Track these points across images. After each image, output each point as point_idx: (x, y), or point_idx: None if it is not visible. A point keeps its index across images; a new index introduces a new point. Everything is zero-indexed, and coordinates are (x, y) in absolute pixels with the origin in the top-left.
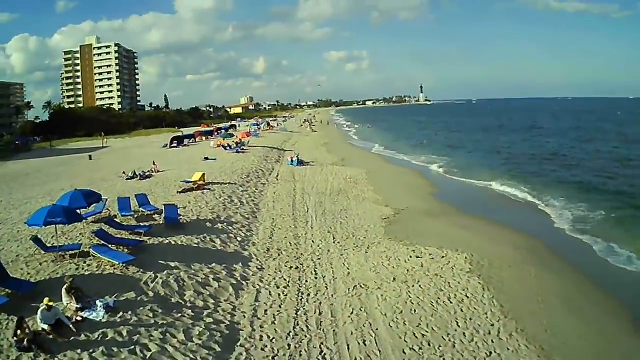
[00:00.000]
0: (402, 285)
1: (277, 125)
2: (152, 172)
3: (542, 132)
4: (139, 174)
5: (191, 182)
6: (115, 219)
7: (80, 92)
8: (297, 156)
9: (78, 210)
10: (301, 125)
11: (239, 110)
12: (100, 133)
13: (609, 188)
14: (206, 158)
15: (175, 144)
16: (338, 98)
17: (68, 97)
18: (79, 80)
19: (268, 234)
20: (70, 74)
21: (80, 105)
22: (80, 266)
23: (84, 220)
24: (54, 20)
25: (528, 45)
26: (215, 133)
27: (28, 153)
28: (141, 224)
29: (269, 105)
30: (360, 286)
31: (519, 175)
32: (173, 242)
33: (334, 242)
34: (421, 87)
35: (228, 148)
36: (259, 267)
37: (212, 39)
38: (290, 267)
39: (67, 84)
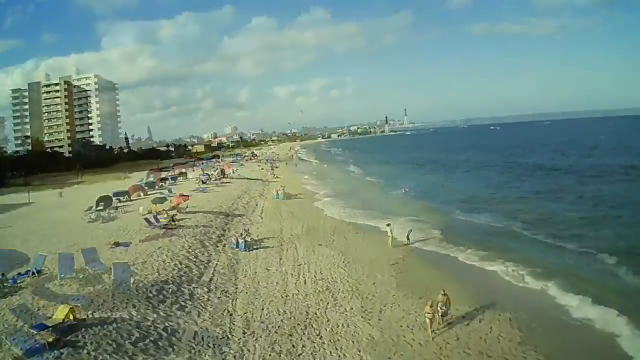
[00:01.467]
0: None
1: (233, 172)
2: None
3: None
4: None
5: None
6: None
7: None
8: (244, 237)
9: None
10: (262, 169)
11: (201, 148)
12: None
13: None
14: (117, 244)
15: (102, 207)
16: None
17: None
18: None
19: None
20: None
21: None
22: None
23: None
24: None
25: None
26: (160, 185)
27: None
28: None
29: (232, 142)
30: None
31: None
32: (120, 321)
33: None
34: (386, 118)
35: (154, 223)
36: (237, 356)
37: (193, 71)
38: (280, 353)
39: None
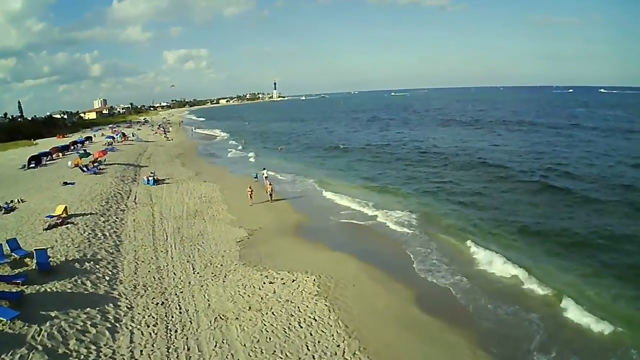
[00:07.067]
0: (257, 314)
1: (132, 135)
2: (17, 203)
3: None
4: (4, 206)
5: (55, 216)
6: None
7: None
8: (153, 175)
9: None
10: (155, 133)
11: (93, 115)
12: None
13: None
14: (65, 183)
15: (33, 165)
16: (192, 97)
17: None
18: None
19: (133, 269)
20: None
21: None
22: None
23: None
24: None
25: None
26: (72, 148)
27: None
28: (16, 271)
29: (123, 109)
30: (221, 318)
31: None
32: (49, 290)
33: (194, 273)
34: (275, 84)
35: (86, 170)
36: (129, 306)
37: (40, 43)
38: (157, 303)
39: None
